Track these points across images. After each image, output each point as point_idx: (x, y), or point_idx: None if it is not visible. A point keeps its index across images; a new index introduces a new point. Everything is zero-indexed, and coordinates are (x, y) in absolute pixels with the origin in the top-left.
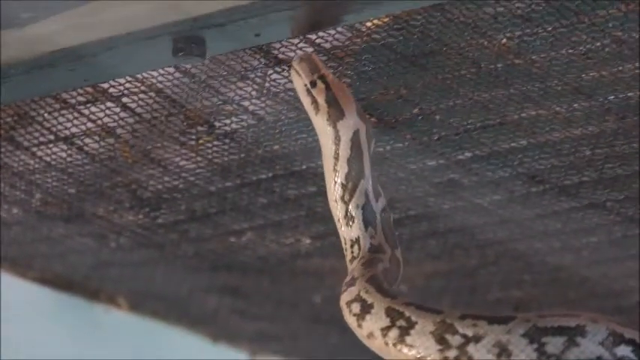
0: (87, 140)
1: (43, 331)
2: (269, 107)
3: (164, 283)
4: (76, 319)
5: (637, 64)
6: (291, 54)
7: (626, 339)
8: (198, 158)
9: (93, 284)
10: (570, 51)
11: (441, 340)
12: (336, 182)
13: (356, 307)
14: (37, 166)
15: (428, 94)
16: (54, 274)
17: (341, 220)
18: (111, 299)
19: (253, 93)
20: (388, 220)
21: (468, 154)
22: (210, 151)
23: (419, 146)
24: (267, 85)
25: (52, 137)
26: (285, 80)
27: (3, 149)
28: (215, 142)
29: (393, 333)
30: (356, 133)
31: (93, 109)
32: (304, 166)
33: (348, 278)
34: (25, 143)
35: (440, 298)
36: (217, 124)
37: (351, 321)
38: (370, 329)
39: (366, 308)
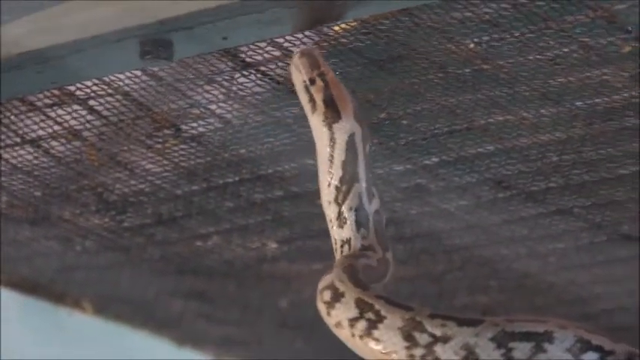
0: (53, 143)
1: (7, 334)
2: (236, 111)
3: (130, 286)
4: (41, 322)
5: (604, 71)
6: (259, 57)
7: (593, 345)
8: (165, 162)
9: (58, 287)
10: (538, 57)
11: (409, 338)
12: (330, 184)
13: (327, 295)
14: (3, 168)
15: (395, 99)
16: (20, 277)
17: (333, 222)
18: (76, 303)
19: (220, 96)
20: (381, 222)
21: (435, 159)
22: (176, 154)
23: (386, 151)
24: (234, 88)
25: (18, 140)
26: (253, 84)
27: None
28: (182, 146)
29: (361, 325)
30: (351, 137)
31: (60, 111)
32: (271, 170)
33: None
34: None
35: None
36: (184, 127)
37: (321, 308)
38: (339, 318)
39: (336, 297)
